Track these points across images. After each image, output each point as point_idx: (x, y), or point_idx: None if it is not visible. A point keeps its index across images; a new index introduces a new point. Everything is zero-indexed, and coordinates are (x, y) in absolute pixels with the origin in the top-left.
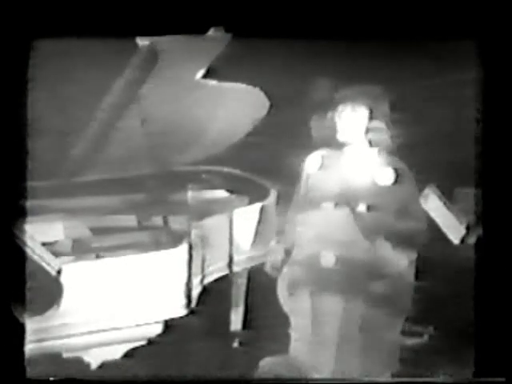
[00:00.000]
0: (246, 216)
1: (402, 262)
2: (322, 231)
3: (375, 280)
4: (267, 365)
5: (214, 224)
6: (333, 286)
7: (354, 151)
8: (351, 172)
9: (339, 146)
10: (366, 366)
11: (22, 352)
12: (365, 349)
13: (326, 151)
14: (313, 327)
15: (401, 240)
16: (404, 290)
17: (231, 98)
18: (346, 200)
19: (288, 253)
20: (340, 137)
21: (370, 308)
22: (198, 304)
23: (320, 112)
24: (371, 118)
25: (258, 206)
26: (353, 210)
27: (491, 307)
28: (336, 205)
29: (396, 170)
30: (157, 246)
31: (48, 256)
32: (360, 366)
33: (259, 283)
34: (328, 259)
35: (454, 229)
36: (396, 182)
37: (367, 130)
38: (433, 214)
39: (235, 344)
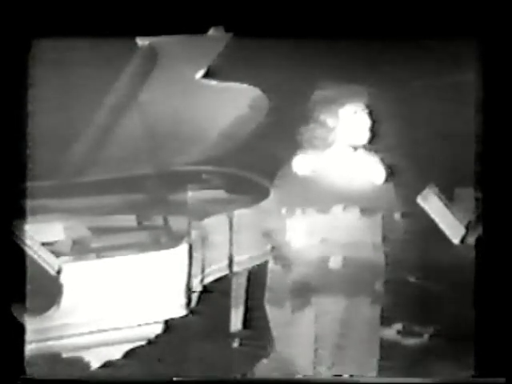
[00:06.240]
0: (246, 216)
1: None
2: (328, 234)
3: (379, 278)
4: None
5: (214, 224)
6: (339, 287)
7: (344, 152)
8: (346, 173)
9: (327, 147)
10: (363, 360)
11: (22, 352)
12: (363, 344)
13: (316, 154)
14: (315, 328)
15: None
16: (379, 275)
17: (231, 98)
18: (352, 201)
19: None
20: (347, 139)
21: (371, 306)
22: (198, 304)
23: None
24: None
25: (257, 206)
26: (361, 210)
27: (491, 307)
28: (344, 208)
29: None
30: (157, 245)
31: (48, 256)
32: (358, 361)
33: (259, 283)
34: (336, 261)
35: (454, 229)
36: (387, 178)
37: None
38: (433, 214)
39: (235, 344)
